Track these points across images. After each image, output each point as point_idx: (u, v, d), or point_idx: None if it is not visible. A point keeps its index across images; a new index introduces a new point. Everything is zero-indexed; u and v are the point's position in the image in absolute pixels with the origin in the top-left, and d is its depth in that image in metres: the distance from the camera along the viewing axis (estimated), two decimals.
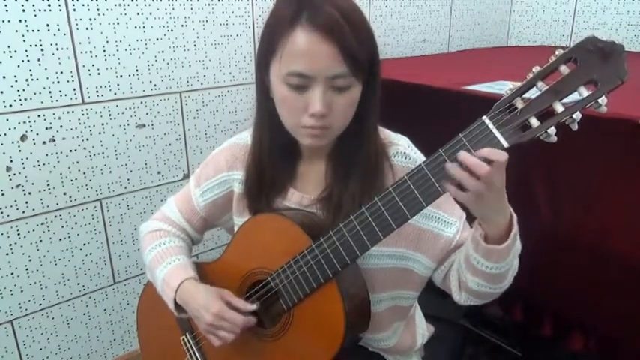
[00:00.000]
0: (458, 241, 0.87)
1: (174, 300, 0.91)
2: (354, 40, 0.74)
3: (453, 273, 0.87)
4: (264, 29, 0.80)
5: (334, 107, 0.77)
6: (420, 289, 0.94)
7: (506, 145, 0.66)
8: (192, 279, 0.92)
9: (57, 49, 1.33)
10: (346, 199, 0.83)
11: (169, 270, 0.94)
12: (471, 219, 0.86)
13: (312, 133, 0.79)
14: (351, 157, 0.85)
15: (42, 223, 1.41)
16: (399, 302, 0.94)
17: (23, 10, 1.26)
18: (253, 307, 0.87)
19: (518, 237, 0.75)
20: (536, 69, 0.65)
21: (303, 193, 0.90)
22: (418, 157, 0.88)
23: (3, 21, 1.23)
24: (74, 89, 1.38)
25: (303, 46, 0.73)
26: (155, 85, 1.53)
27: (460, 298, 0.87)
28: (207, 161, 1.00)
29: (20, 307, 1.43)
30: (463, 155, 0.66)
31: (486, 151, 0.66)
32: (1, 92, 1.27)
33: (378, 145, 0.86)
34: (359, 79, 0.77)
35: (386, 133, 0.90)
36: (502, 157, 0.65)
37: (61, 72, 1.35)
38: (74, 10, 1.33)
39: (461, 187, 0.68)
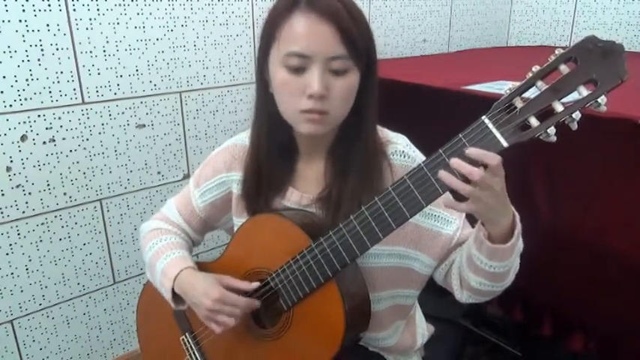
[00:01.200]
0: (458, 239, 0.87)
1: (172, 290, 0.91)
2: (352, 24, 0.76)
3: (454, 271, 0.87)
4: (265, 21, 0.82)
5: (332, 91, 0.78)
6: (420, 287, 0.94)
7: (505, 144, 0.66)
8: (190, 268, 0.92)
9: (57, 49, 1.33)
10: (345, 197, 0.84)
11: (168, 262, 0.94)
12: (471, 218, 0.86)
13: (310, 118, 0.79)
14: (349, 154, 0.85)
15: (42, 223, 1.41)
16: (399, 301, 0.94)
17: (23, 10, 1.26)
18: (255, 285, 0.87)
19: (520, 235, 0.76)
20: (535, 68, 0.65)
21: (303, 192, 0.90)
22: (417, 155, 0.88)
23: (3, 21, 1.24)
24: (74, 89, 1.38)
25: (302, 27, 0.75)
26: (155, 85, 1.53)
27: (462, 296, 0.87)
28: (206, 162, 1.00)
29: (20, 307, 1.43)
30: (456, 163, 0.66)
31: (478, 153, 0.65)
32: (1, 92, 1.27)
33: (377, 143, 0.86)
34: (357, 64, 0.78)
35: (385, 132, 0.90)
36: (494, 160, 0.65)
37: (61, 72, 1.35)
38: (74, 10, 1.33)
39: (458, 198, 0.68)
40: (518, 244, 0.76)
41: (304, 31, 0.75)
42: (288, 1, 0.77)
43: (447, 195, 0.70)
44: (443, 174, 0.67)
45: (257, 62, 0.86)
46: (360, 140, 0.84)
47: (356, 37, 0.76)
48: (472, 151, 0.66)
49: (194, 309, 0.90)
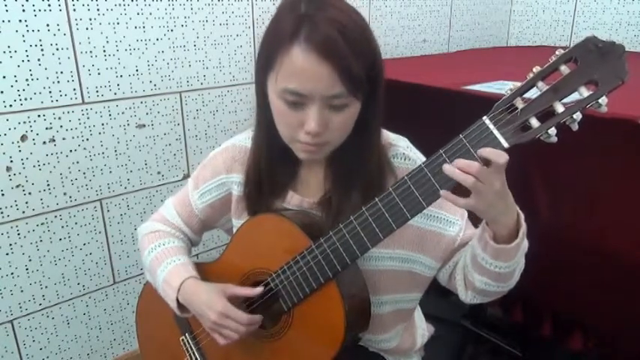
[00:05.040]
0: (462, 239, 0.87)
1: (177, 300, 0.91)
2: (352, 60, 0.72)
3: (458, 272, 0.87)
4: (263, 39, 0.79)
5: (330, 125, 0.76)
6: (423, 290, 0.94)
7: (506, 145, 0.66)
8: (193, 278, 0.92)
9: (57, 49, 1.33)
10: (346, 208, 0.82)
11: (170, 270, 0.93)
12: (474, 219, 0.86)
13: (307, 149, 0.79)
14: (351, 164, 0.84)
15: (42, 223, 1.41)
16: (402, 305, 0.94)
17: (23, 10, 1.26)
18: (259, 290, 0.86)
19: (525, 235, 0.75)
20: (536, 69, 0.65)
21: (303, 197, 0.90)
22: (418, 157, 0.88)
23: (3, 21, 1.23)
24: (74, 89, 1.38)
25: (301, 65, 0.72)
26: (155, 85, 1.53)
27: (466, 297, 0.87)
28: (206, 163, 1.00)
29: (20, 307, 1.43)
30: (456, 160, 0.67)
31: (487, 151, 0.66)
32: (1, 92, 1.27)
33: (382, 159, 0.85)
34: (357, 97, 0.76)
35: (385, 134, 0.89)
36: (501, 158, 0.65)
37: (61, 72, 1.35)
38: (74, 10, 1.33)
39: (460, 193, 0.68)
40: (523, 244, 0.75)
41: (302, 71, 0.72)
42: (287, 30, 0.72)
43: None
44: (447, 167, 0.67)
45: (256, 74, 0.82)
46: (363, 153, 0.83)
47: (356, 72, 0.72)
48: (482, 151, 0.66)
49: (199, 319, 0.90)
